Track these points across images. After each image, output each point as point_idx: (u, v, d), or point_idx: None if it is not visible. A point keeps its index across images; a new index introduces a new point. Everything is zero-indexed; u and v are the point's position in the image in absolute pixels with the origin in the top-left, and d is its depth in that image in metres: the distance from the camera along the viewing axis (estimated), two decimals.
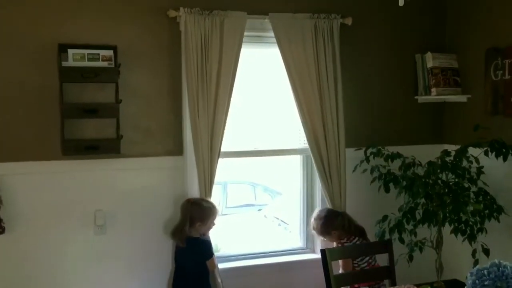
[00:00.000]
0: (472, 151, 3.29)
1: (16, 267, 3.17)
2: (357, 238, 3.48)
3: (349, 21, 3.60)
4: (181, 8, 3.25)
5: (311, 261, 3.67)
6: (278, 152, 3.75)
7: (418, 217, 3.37)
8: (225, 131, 3.36)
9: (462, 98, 3.77)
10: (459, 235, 3.28)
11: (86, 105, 3.13)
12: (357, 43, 3.74)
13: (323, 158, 3.56)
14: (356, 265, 3.41)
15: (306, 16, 3.50)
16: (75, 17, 3.18)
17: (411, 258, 3.40)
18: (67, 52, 3.06)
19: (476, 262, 3.20)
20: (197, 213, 3.26)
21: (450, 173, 3.32)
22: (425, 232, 3.43)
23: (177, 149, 3.41)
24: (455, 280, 3.29)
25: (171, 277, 3.37)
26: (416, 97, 3.90)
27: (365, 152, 3.58)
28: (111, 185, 3.32)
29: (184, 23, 3.25)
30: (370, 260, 3.43)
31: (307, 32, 3.49)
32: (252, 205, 6.69)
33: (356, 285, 3.40)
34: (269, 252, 3.81)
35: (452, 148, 3.44)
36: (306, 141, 3.62)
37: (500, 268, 1.93)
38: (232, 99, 3.37)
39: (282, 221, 5.20)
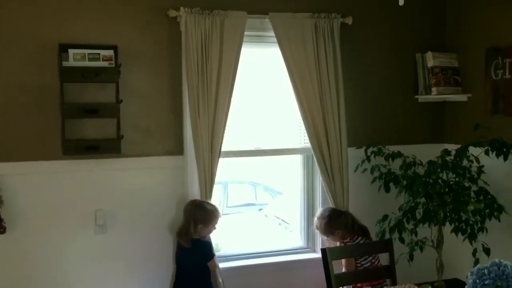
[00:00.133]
0: (473, 150, 3.29)
1: (16, 266, 3.17)
2: (360, 238, 3.47)
3: (349, 20, 3.60)
4: (181, 8, 3.25)
5: (312, 260, 3.67)
6: (279, 151, 3.75)
7: (418, 216, 3.37)
8: (225, 130, 3.37)
9: (463, 98, 3.77)
10: (459, 234, 3.28)
11: (87, 105, 3.13)
12: (357, 43, 3.74)
13: (325, 157, 3.56)
14: (359, 264, 3.40)
15: (306, 15, 3.50)
16: (75, 17, 3.18)
17: (411, 257, 3.40)
18: (67, 52, 3.06)
19: (476, 262, 3.20)
20: (200, 215, 3.26)
21: (450, 172, 3.32)
22: (425, 231, 3.43)
23: (178, 149, 3.42)
24: (455, 279, 3.29)
25: (172, 279, 3.37)
26: (416, 97, 3.90)
27: (366, 151, 3.59)
28: (111, 185, 3.32)
29: (185, 23, 3.25)
30: (373, 260, 3.42)
31: (307, 32, 3.49)
32: (253, 204, 6.69)
33: (359, 285, 3.39)
34: (270, 252, 3.81)
35: (453, 147, 3.44)
36: (306, 141, 3.62)
37: (501, 268, 1.93)
38: (232, 98, 3.37)
39: (282, 220, 5.20)
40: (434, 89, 3.74)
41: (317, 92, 3.51)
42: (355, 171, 3.58)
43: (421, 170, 3.42)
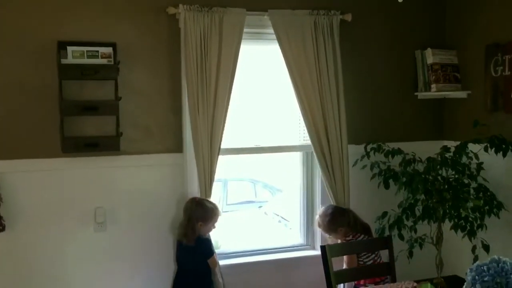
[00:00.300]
0: (472, 147, 3.30)
1: (16, 264, 3.17)
2: (362, 236, 3.46)
3: (348, 17, 3.59)
4: (180, 5, 3.25)
5: (311, 257, 3.68)
6: (278, 149, 3.75)
7: (418, 213, 3.37)
8: (225, 128, 3.36)
9: (462, 94, 3.77)
10: (459, 231, 3.28)
11: (86, 103, 3.13)
12: (356, 40, 3.73)
13: (325, 154, 3.55)
14: (361, 262, 3.40)
15: (305, 12, 3.49)
16: (74, 15, 3.17)
17: (411, 254, 3.41)
18: (66, 49, 3.06)
19: (476, 258, 3.20)
20: (200, 213, 3.26)
21: (450, 169, 3.33)
22: (425, 228, 3.44)
23: (177, 146, 3.41)
24: (455, 276, 3.30)
25: (173, 277, 3.37)
26: (416, 93, 3.90)
27: (366, 148, 3.59)
28: (111, 183, 3.32)
29: (184, 20, 3.25)
30: (375, 257, 3.41)
31: (307, 29, 3.49)
32: (253, 202, 6.69)
33: (362, 282, 3.37)
34: (270, 249, 3.81)
35: (452, 144, 3.44)
36: (306, 138, 3.62)
37: (500, 264, 1.93)
38: (231, 96, 3.37)
39: (282, 217, 5.20)
40: (433, 86, 3.74)
41: (316, 89, 3.51)
42: (353, 165, 3.59)
43: (420, 167, 3.42)
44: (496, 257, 1.97)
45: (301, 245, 3.87)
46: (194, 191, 3.36)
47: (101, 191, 3.30)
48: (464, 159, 3.33)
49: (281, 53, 3.46)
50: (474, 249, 3.26)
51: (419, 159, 3.46)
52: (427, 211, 3.33)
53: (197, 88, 3.27)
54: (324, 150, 3.55)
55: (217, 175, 3.40)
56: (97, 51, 3.10)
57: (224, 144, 3.40)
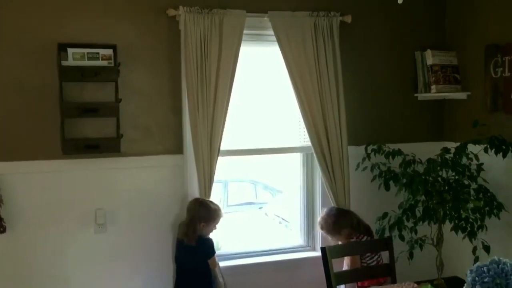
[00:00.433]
0: (472, 148, 3.30)
1: (16, 265, 3.17)
2: (365, 237, 3.46)
3: (348, 18, 3.59)
4: (181, 7, 3.25)
5: (312, 258, 3.67)
6: (279, 150, 3.76)
7: (418, 214, 3.37)
8: (224, 129, 3.37)
9: (462, 95, 3.77)
10: (459, 232, 3.28)
11: (86, 104, 3.13)
12: (356, 41, 3.73)
13: (325, 155, 3.55)
14: (365, 264, 3.39)
15: (305, 14, 3.49)
16: (75, 16, 3.18)
17: (411, 255, 3.40)
18: (66, 51, 3.06)
19: (476, 259, 3.20)
20: (203, 214, 3.27)
21: (450, 170, 3.33)
22: (425, 229, 3.43)
23: (177, 148, 3.42)
24: (455, 277, 3.30)
25: (174, 278, 3.38)
26: (416, 95, 3.90)
27: (366, 149, 3.59)
28: (111, 184, 3.32)
29: (184, 22, 3.25)
30: (378, 259, 3.41)
31: (307, 30, 3.49)
32: (253, 203, 6.69)
33: (366, 283, 3.35)
34: (270, 250, 3.81)
35: (452, 145, 3.44)
36: (306, 139, 3.62)
37: (500, 265, 1.93)
38: (231, 97, 3.37)
39: (282, 219, 5.20)
40: (433, 87, 3.74)
41: (317, 90, 3.51)
42: (356, 169, 3.58)
43: (420, 168, 3.42)
44: (496, 258, 1.96)
45: (302, 247, 3.87)
46: (194, 192, 3.36)
47: (102, 192, 3.31)
48: (464, 160, 3.33)
49: (281, 55, 3.46)
50: (474, 250, 3.25)
51: (419, 160, 3.46)
52: (427, 212, 3.33)
53: (197, 89, 3.27)
54: (324, 151, 3.56)
55: (218, 176, 3.40)
56: (98, 53, 3.10)
57: (224, 146, 3.40)
